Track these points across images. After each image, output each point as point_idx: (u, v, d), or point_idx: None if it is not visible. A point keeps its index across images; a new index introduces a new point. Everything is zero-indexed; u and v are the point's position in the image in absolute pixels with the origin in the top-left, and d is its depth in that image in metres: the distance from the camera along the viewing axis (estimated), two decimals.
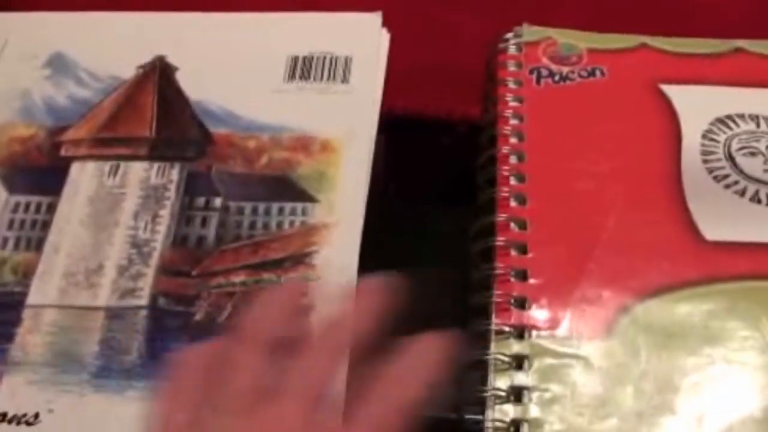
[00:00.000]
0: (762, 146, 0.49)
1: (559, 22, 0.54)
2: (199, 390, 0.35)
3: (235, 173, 0.52)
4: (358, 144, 0.52)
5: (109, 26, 0.59)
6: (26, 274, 0.48)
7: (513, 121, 0.50)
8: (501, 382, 0.41)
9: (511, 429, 0.40)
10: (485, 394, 0.41)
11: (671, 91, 0.51)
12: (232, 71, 0.56)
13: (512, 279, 0.44)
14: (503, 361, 0.42)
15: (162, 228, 0.50)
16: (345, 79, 0.55)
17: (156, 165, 0.52)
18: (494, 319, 0.43)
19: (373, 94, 0.54)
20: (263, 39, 0.57)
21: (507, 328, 0.43)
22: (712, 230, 0.45)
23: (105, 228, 0.50)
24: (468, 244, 0.46)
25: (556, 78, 0.52)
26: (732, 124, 0.50)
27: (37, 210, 0.51)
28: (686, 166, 0.48)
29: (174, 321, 0.46)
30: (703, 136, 0.49)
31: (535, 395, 0.41)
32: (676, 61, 0.53)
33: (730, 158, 0.48)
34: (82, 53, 0.57)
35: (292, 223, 0.49)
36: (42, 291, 0.48)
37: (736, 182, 0.47)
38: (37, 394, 0.44)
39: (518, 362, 0.42)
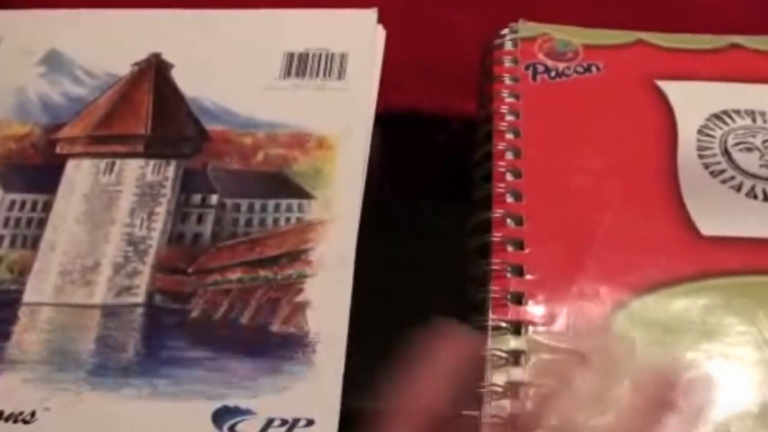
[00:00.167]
0: (758, 141, 0.49)
1: (555, 18, 0.54)
2: None
3: (231, 170, 0.52)
4: (354, 140, 0.52)
5: (104, 23, 0.59)
6: (22, 272, 0.48)
7: (509, 118, 0.50)
8: (498, 378, 0.41)
9: (508, 425, 0.40)
10: (482, 390, 0.41)
11: (667, 86, 0.51)
12: (227, 68, 0.56)
13: (509, 275, 0.44)
14: (500, 357, 0.42)
15: (158, 225, 0.50)
16: (341, 76, 0.55)
17: (152, 162, 0.52)
18: (491, 315, 0.43)
19: (369, 91, 0.54)
20: (259, 36, 0.57)
21: (504, 324, 0.43)
22: (708, 225, 0.45)
23: (101, 225, 0.50)
24: (464, 241, 0.46)
25: (552, 74, 0.52)
26: (728, 120, 0.50)
27: (33, 208, 0.50)
28: (682, 162, 0.48)
29: (170, 318, 0.46)
30: (699, 132, 0.49)
31: (532, 391, 0.41)
32: (672, 57, 0.53)
33: (726, 153, 0.49)
34: (78, 50, 0.57)
35: (288, 220, 0.49)
36: (38, 289, 0.48)
37: (732, 177, 0.48)
38: (34, 392, 0.44)
39: (515, 358, 0.42)
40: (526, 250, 0.45)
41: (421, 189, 0.55)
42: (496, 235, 0.45)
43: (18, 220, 0.50)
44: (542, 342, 0.42)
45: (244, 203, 0.50)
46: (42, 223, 0.50)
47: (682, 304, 0.43)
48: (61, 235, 0.49)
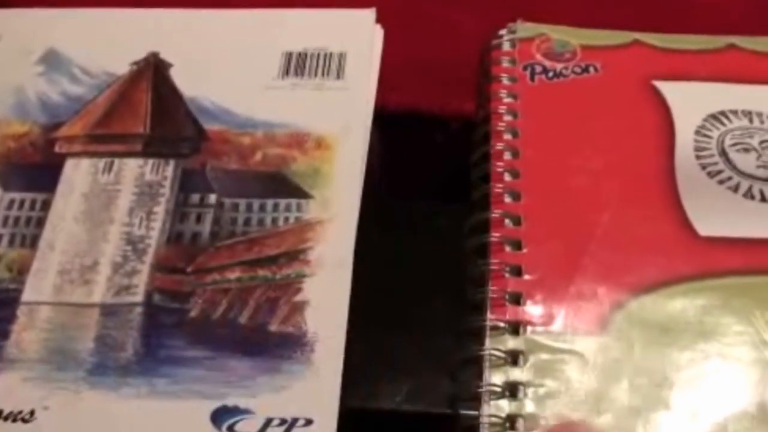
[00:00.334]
0: (755, 142, 0.49)
1: (553, 18, 0.55)
2: None
3: (229, 170, 0.52)
4: (352, 140, 0.52)
5: (102, 22, 0.59)
6: (21, 271, 0.48)
7: (507, 118, 0.50)
8: (496, 378, 0.41)
9: (507, 424, 0.40)
10: (480, 390, 0.41)
11: (664, 87, 0.51)
12: (226, 68, 0.56)
13: (507, 275, 0.44)
14: (498, 357, 0.42)
15: (157, 225, 0.50)
16: (339, 76, 0.55)
17: (150, 161, 0.52)
18: (489, 315, 0.43)
19: (368, 91, 0.54)
20: (257, 35, 0.57)
21: (502, 324, 0.43)
22: (705, 226, 0.46)
23: (100, 225, 0.50)
24: (462, 241, 0.47)
25: (550, 74, 0.52)
26: (725, 120, 0.50)
27: (32, 207, 0.50)
28: (680, 162, 0.48)
29: (169, 318, 0.46)
30: (697, 132, 0.50)
31: (530, 391, 0.41)
32: (669, 58, 0.53)
33: (724, 154, 0.49)
34: (76, 50, 0.57)
35: (286, 220, 0.49)
36: (37, 288, 0.48)
37: (730, 178, 0.48)
38: (33, 391, 0.44)
39: (513, 358, 0.42)
40: (525, 250, 0.45)
41: (419, 189, 0.55)
42: (495, 235, 0.45)
43: (17, 219, 0.50)
44: (540, 342, 0.42)
45: (242, 203, 0.50)
46: (41, 222, 0.50)
47: (680, 304, 0.43)
48: (60, 234, 0.49)
